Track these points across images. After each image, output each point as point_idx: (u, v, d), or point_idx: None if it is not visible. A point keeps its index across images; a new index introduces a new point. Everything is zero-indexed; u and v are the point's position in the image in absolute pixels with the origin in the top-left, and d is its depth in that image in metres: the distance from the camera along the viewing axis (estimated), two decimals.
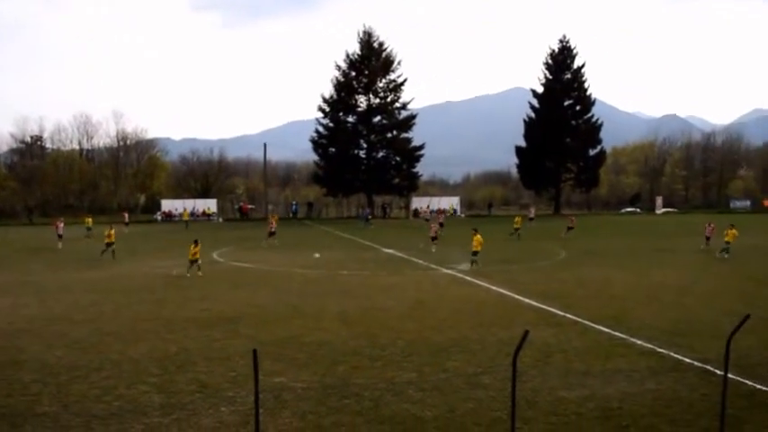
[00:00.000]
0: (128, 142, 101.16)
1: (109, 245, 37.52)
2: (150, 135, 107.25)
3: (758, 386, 14.17)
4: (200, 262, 31.10)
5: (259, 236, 53.21)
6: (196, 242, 31.20)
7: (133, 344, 17.70)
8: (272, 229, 45.70)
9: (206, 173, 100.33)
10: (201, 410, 12.59)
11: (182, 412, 12.50)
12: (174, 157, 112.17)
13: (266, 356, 16.22)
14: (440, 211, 76.40)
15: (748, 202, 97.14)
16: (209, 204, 79.27)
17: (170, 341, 18.09)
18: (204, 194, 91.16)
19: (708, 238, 40.33)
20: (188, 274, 30.47)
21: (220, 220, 75.02)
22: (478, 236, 32.97)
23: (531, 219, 61.93)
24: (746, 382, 14.39)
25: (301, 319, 20.96)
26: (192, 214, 69.33)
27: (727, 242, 37.07)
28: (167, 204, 78.09)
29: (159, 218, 69.51)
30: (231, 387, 14.01)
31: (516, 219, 51.54)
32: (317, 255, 37.73)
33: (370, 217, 69.08)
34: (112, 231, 38.28)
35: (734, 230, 37.62)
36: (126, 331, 19.29)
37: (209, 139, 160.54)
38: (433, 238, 41.85)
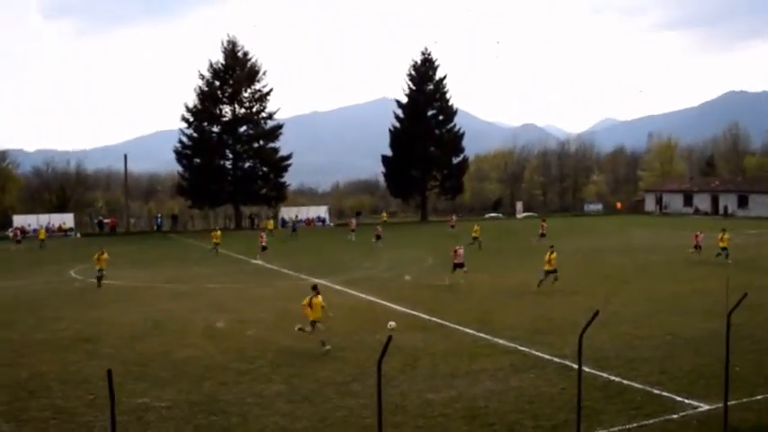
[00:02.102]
0: None
1: None
2: None
3: (612, 378, 15.01)
4: (104, 273, 31.24)
5: (120, 251, 51.04)
6: (102, 250, 31.87)
7: None
8: (264, 243, 43.15)
9: (62, 185, 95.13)
10: None
11: None
12: (27, 170, 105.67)
13: (128, 376, 15.56)
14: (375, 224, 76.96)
15: (600, 206, 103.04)
16: (66, 219, 75.20)
17: (21, 366, 16.97)
18: (61, 209, 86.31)
19: (698, 247, 38.41)
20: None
21: (78, 235, 71.33)
22: (554, 254, 28.01)
23: (453, 227, 62.18)
24: (601, 374, 15.22)
25: (166, 336, 20.26)
26: (47, 230, 65.28)
27: (724, 247, 36.32)
28: (20, 220, 73.37)
29: (11, 234, 64.90)
30: (89, 411, 13.32)
31: (475, 228, 49.02)
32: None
33: (296, 226, 67.21)
34: None
35: (727, 235, 37.24)
36: None
37: (68, 150, 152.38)
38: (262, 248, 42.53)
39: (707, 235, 39.63)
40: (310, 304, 17.92)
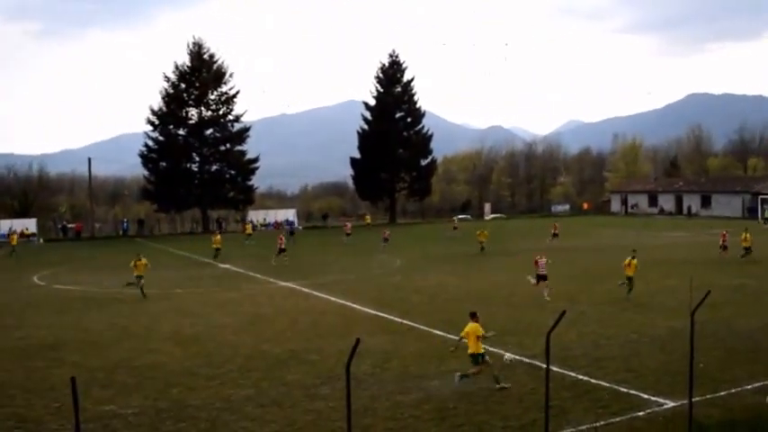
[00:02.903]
0: None
1: None
2: None
3: (579, 376, 15.16)
4: (143, 281, 28.88)
5: (85, 256, 50.36)
6: (139, 256, 29.62)
7: None
8: (282, 246, 41.58)
9: (25, 190, 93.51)
10: None
11: None
12: None
13: (94, 383, 15.34)
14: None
15: (567, 206, 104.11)
16: (28, 224, 73.91)
17: None
18: (23, 214, 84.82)
19: (725, 247, 37.80)
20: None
21: (41, 240, 70.11)
22: (635, 260, 26.17)
23: (456, 228, 61.73)
24: (569, 373, 15.36)
25: (132, 342, 20.00)
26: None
27: (747, 247, 36.40)
28: None
29: None
30: (54, 419, 13.10)
31: (482, 232, 45.58)
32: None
33: (293, 229, 64.51)
34: None
35: (749, 234, 37.07)
36: None
37: (30, 155, 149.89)
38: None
39: (677, 234, 40.13)
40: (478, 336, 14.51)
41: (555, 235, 50.00)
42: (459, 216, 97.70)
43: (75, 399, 7.63)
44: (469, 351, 14.53)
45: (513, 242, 51.10)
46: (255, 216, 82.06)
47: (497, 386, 14.21)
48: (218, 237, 45.81)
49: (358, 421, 11.80)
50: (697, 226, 65.91)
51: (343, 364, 9.40)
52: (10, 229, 66.73)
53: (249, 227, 65.36)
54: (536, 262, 26.42)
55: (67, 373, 15.96)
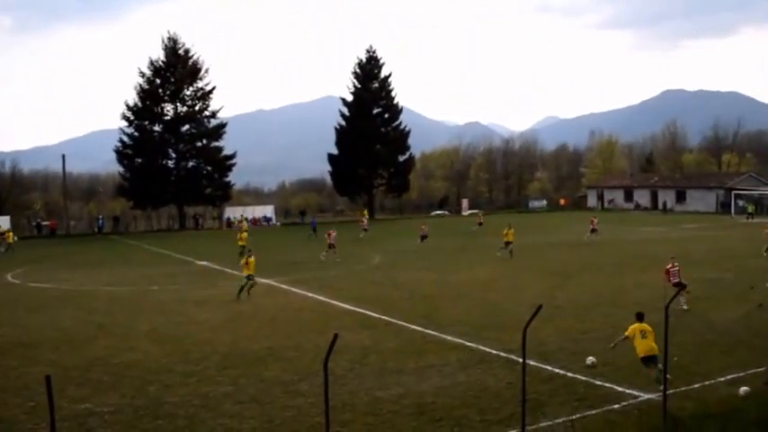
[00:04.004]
0: None
1: None
2: None
3: (556, 370, 15.30)
4: (252, 281, 26.73)
5: (60, 253, 49.83)
6: (249, 254, 27.72)
7: None
8: (331, 241, 39.85)
9: None
10: None
11: None
12: None
13: (70, 381, 15.21)
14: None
15: (545, 202, 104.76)
16: (1, 222, 72.91)
17: None
18: None
19: None
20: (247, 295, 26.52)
21: (15, 238, 69.21)
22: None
23: (480, 224, 60.70)
24: (546, 367, 15.50)
25: (108, 340, 19.83)
26: None
27: None
28: None
29: None
30: (30, 419, 12.97)
31: (507, 231, 38.96)
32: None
33: (315, 225, 59.15)
34: None
35: None
36: None
37: (1, 152, 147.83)
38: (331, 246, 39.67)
39: (653, 230, 40.51)
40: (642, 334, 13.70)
41: (593, 230, 48.16)
42: (437, 212, 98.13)
43: (51, 397, 7.57)
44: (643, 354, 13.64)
45: (490, 237, 51.23)
46: (233, 213, 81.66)
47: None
48: (245, 234, 42.62)
49: (337, 417, 11.82)
50: (672, 221, 66.66)
51: (322, 360, 9.41)
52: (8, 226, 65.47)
53: (245, 224, 64.48)
54: (667, 271, 22.91)
55: (42, 372, 15.79)
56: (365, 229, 55.51)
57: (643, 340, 13.63)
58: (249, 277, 26.55)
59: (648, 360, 13.60)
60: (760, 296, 22.88)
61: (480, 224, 59.72)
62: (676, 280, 22.60)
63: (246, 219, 74.42)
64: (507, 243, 38.01)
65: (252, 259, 27.02)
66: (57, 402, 7.97)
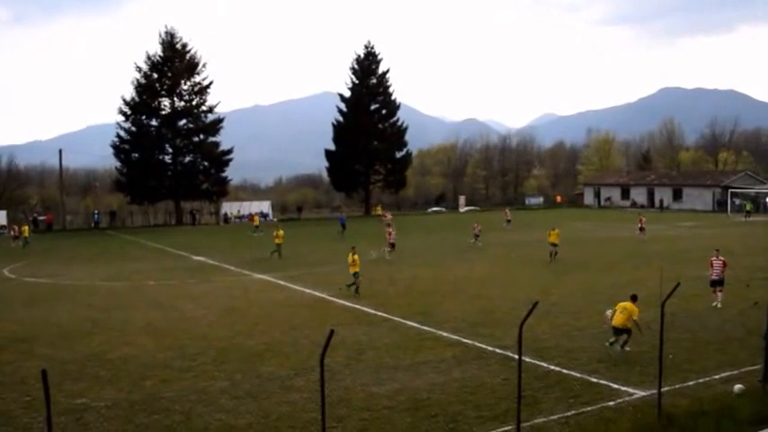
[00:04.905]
0: None
1: None
2: None
3: (551, 367, 15.34)
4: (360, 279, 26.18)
5: (56, 248, 49.77)
6: (354, 250, 26.78)
7: None
8: (392, 240, 38.53)
9: None
10: None
11: None
12: None
13: (66, 376, 15.22)
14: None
15: (541, 199, 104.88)
16: None
17: None
18: None
19: None
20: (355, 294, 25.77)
21: (11, 233, 69.18)
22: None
23: (509, 221, 60.20)
24: (542, 364, 15.54)
25: (104, 334, 19.84)
26: None
27: None
28: None
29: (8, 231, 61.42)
30: (26, 413, 12.98)
31: (551, 233, 36.28)
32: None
33: (344, 221, 56.90)
34: None
35: None
36: None
37: None
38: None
39: (650, 227, 40.48)
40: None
41: (642, 229, 47.91)
42: (434, 208, 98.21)
43: (47, 392, 7.59)
44: (614, 323, 16.43)
45: (488, 234, 51.28)
46: (230, 208, 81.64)
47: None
48: (281, 232, 40.62)
49: (332, 412, 11.84)
50: (669, 219, 66.76)
51: (318, 355, 9.43)
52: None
53: (256, 218, 64.16)
54: (711, 263, 22.73)
55: (38, 367, 15.77)
56: (389, 225, 51.40)
57: (620, 315, 16.38)
58: (355, 275, 26.07)
59: (618, 331, 16.38)
60: (755, 294, 22.91)
61: (509, 221, 59.33)
62: (714, 277, 22.57)
63: (261, 213, 74.53)
64: (553, 245, 35.73)
65: (356, 256, 26.37)
66: (53, 397, 7.99)
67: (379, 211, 77.21)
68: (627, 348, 16.27)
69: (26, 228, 54.52)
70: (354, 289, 25.79)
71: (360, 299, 24.71)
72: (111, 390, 14.34)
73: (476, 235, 45.39)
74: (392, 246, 38.65)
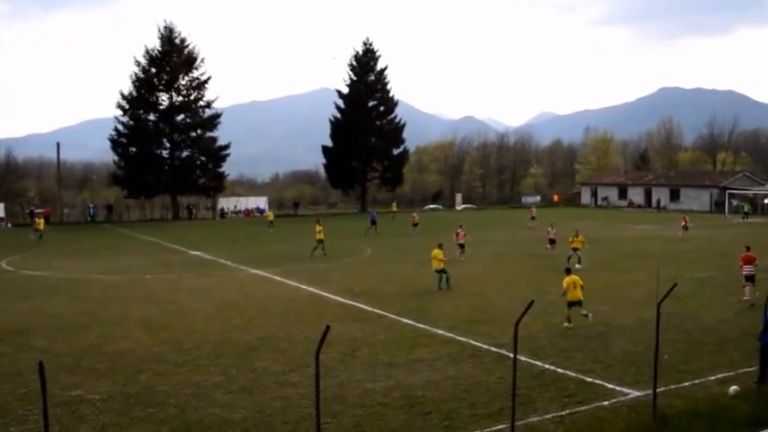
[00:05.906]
0: None
1: None
2: None
3: (546, 366, 15.37)
4: (448, 273, 26.17)
5: (53, 241, 49.69)
6: (441, 246, 26.83)
7: None
8: (461, 241, 36.02)
9: None
10: None
11: None
12: None
13: (62, 369, 15.21)
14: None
15: (538, 198, 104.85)
16: None
17: None
18: None
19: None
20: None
21: (9, 225, 69.08)
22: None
23: (534, 218, 59.40)
24: (537, 363, 15.56)
25: (100, 328, 19.84)
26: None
27: None
28: None
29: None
30: (21, 405, 12.98)
31: (574, 238, 33.53)
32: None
33: (375, 218, 53.99)
34: None
35: None
36: None
37: None
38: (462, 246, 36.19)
39: (647, 227, 40.50)
40: None
41: (685, 227, 48.41)
42: (431, 206, 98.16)
43: (43, 384, 7.59)
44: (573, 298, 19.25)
45: (486, 233, 51.32)
46: (226, 203, 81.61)
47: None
48: (320, 227, 38.42)
49: (327, 408, 11.86)
50: (666, 219, 66.81)
51: (313, 351, 9.43)
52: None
53: (270, 214, 63.90)
54: (743, 261, 22.98)
55: (35, 359, 15.77)
56: (415, 224, 52.06)
57: (575, 290, 19.07)
58: (443, 270, 26.12)
59: (574, 304, 19.09)
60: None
61: (533, 218, 58.13)
62: (745, 272, 22.77)
63: (258, 208, 74.32)
64: (575, 249, 33.27)
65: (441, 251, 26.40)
66: (49, 389, 7.99)
67: (394, 208, 76.86)
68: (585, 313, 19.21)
69: (42, 221, 54.21)
70: (446, 282, 25.98)
71: (371, 297, 24.70)
72: (107, 383, 14.35)
73: (551, 240, 39.33)
74: (462, 247, 35.91)
